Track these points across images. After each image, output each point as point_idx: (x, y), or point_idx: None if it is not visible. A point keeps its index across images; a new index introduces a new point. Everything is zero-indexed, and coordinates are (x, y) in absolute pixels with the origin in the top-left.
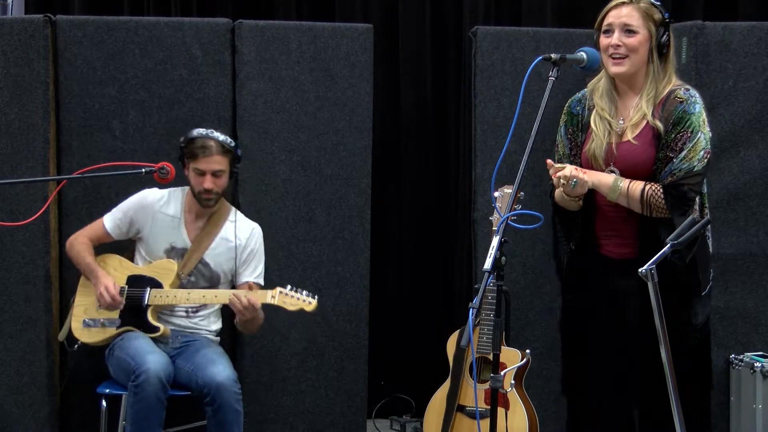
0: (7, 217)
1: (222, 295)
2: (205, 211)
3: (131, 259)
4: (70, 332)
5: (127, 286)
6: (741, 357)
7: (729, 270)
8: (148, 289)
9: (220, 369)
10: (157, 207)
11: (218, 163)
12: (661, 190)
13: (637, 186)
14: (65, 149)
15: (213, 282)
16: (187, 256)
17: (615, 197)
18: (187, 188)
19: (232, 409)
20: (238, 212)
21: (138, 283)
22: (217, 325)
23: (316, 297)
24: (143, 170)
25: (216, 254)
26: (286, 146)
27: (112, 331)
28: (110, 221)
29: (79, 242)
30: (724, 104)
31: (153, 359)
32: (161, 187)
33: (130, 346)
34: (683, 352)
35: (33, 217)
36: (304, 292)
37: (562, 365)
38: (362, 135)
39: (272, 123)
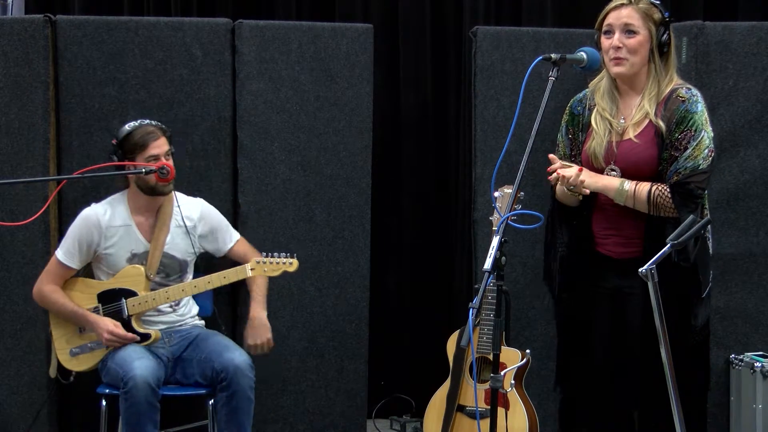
0: (7, 217)
1: (201, 283)
2: (152, 207)
3: (92, 276)
4: (60, 366)
5: (100, 305)
6: (741, 357)
7: (729, 270)
8: (123, 300)
9: (237, 354)
10: (105, 223)
11: (165, 143)
12: (668, 190)
13: (644, 187)
14: (65, 149)
15: (182, 269)
16: (150, 257)
17: (622, 200)
18: (126, 192)
19: (245, 397)
20: (179, 194)
21: (110, 297)
22: (195, 308)
23: (295, 255)
24: (143, 170)
25: (175, 244)
26: (286, 146)
27: (102, 352)
28: (64, 255)
29: (48, 291)
30: (724, 104)
31: (139, 365)
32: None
33: (119, 356)
34: (682, 353)
35: (33, 217)
36: (283, 254)
37: (557, 360)
38: (362, 135)
39: (272, 123)
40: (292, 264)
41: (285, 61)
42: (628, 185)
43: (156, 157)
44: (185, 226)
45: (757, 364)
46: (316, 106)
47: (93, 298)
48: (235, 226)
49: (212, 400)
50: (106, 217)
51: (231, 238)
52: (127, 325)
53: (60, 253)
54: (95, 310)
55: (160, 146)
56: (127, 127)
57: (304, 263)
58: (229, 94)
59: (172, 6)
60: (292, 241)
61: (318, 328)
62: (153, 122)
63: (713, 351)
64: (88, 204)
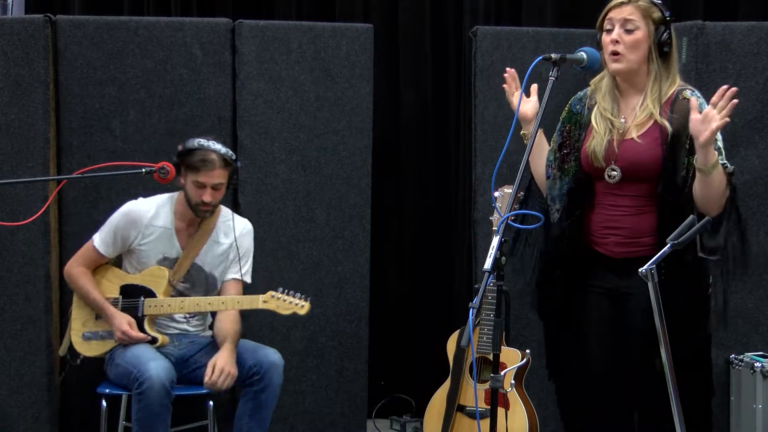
0: (7, 217)
1: (215, 302)
2: (196, 217)
3: (119, 265)
4: (71, 346)
5: (121, 297)
6: (741, 357)
7: None
8: (142, 298)
9: (272, 352)
10: (146, 220)
11: (219, 176)
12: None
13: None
14: (65, 149)
15: (209, 285)
16: (179, 262)
17: (712, 171)
18: (175, 195)
19: (274, 394)
20: (227, 211)
21: (132, 292)
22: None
23: (309, 299)
24: (143, 170)
25: (209, 257)
26: (286, 146)
27: (112, 343)
28: (101, 243)
29: (78, 273)
30: None
31: (155, 366)
32: (148, 194)
33: (131, 354)
34: (687, 358)
35: (33, 217)
36: (297, 295)
37: (546, 355)
38: (362, 135)
39: (272, 123)
40: (303, 307)
41: (285, 61)
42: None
43: (202, 185)
44: (225, 243)
45: (757, 364)
46: (316, 106)
47: (116, 288)
48: None
49: (211, 402)
50: (149, 214)
51: (244, 270)
52: (139, 324)
53: (97, 240)
54: (115, 301)
55: (211, 177)
56: (196, 143)
57: (304, 263)
58: (229, 94)
59: (172, 6)
60: (292, 241)
61: (318, 328)
62: (222, 150)
63: (713, 351)
64: (89, 203)
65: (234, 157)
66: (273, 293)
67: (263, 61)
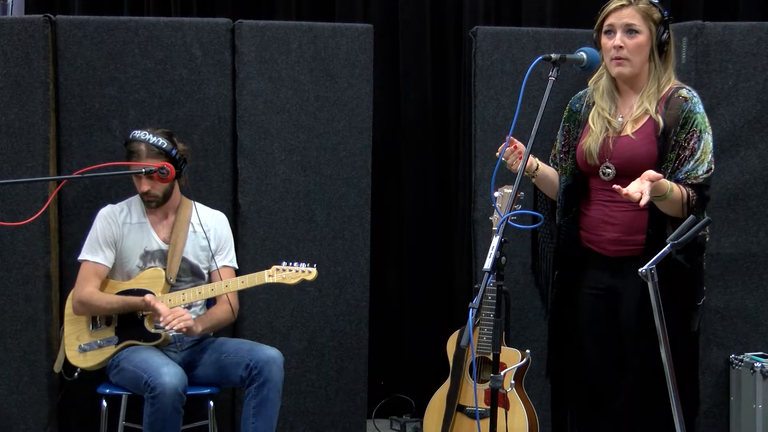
0: (7, 217)
1: (218, 287)
2: (168, 211)
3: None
4: (66, 362)
5: None
6: (741, 357)
7: (729, 270)
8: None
9: (268, 348)
10: (122, 219)
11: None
12: (693, 192)
13: (681, 188)
14: (65, 149)
15: (194, 272)
16: (169, 261)
17: (664, 200)
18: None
19: (275, 388)
20: (199, 204)
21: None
22: None
23: (315, 266)
24: (143, 170)
25: (192, 250)
26: (286, 146)
27: (111, 349)
28: (89, 253)
29: (89, 293)
30: (724, 104)
31: (167, 371)
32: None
33: (140, 359)
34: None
35: (33, 217)
36: (302, 264)
37: (548, 354)
38: (362, 135)
39: (272, 123)
40: (311, 273)
41: (285, 61)
42: (672, 186)
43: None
44: (200, 232)
45: (757, 364)
46: (316, 106)
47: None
48: (235, 226)
49: (211, 402)
50: (123, 213)
51: (229, 258)
52: (140, 325)
53: (84, 254)
54: None
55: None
56: (131, 134)
57: (304, 263)
58: (229, 94)
59: (172, 6)
60: (292, 241)
61: (318, 328)
62: (151, 140)
63: (713, 351)
64: (89, 203)
65: (165, 145)
66: (277, 266)
67: (263, 61)
